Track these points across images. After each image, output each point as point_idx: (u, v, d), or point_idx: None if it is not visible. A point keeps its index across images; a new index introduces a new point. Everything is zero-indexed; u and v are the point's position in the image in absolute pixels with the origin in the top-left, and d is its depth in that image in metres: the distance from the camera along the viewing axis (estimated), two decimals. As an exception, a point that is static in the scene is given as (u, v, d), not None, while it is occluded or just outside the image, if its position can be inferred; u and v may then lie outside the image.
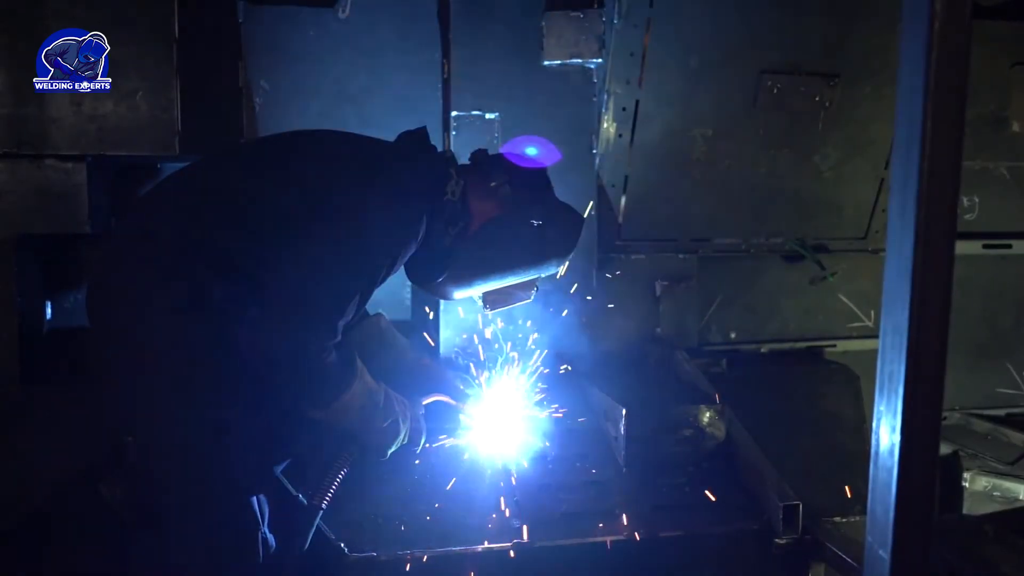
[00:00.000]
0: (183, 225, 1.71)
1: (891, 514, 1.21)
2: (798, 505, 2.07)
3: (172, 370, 1.66)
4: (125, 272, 1.72)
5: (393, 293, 2.62)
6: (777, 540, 2.07)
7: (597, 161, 2.68)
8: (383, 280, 1.76)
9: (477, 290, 1.96)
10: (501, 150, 1.96)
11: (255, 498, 1.76)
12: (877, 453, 1.26)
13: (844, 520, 2.15)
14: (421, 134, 1.94)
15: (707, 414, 2.32)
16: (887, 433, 1.24)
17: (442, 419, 2.08)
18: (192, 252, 1.68)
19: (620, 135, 2.62)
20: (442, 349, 2.56)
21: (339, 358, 1.69)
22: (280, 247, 1.69)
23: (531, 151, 1.94)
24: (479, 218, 1.89)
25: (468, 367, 2.27)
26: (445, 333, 2.56)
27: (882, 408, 1.26)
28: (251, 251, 1.70)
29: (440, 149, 1.99)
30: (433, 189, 1.83)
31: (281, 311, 1.62)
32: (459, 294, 1.97)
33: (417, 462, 2.10)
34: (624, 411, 2.26)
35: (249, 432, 1.71)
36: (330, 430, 1.81)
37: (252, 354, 1.61)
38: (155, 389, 1.67)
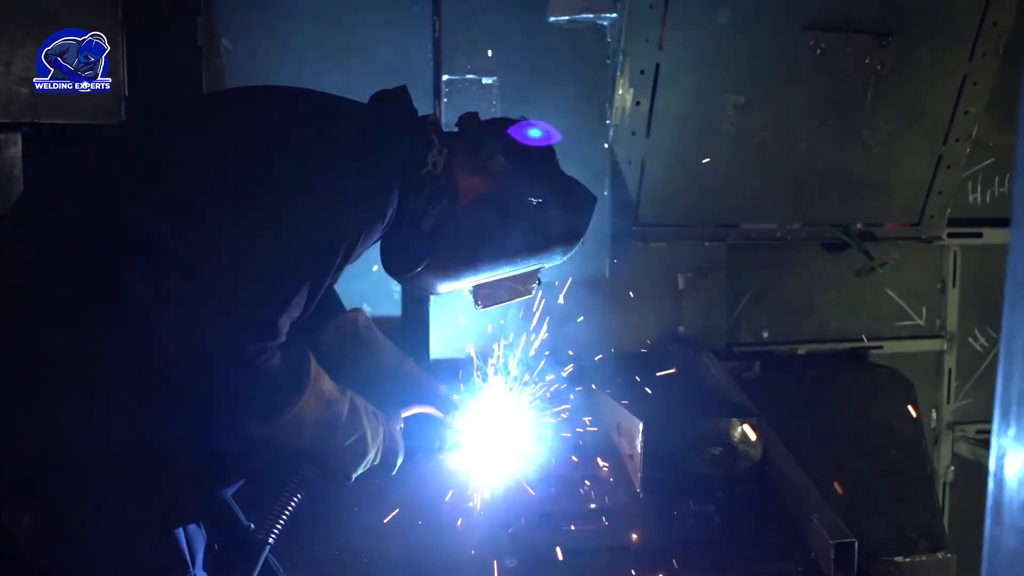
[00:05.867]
0: (98, 200, 1.50)
1: (1025, 595, 0.86)
2: (853, 543, 1.85)
3: (76, 374, 1.45)
4: (23, 254, 1.49)
5: (379, 285, 2.45)
6: (827, 585, 1.89)
7: (611, 133, 2.54)
8: (340, 268, 1.54)
9: (465, 283, 1.76)
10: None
11: (182, 531, 1.53)
12: (999, 505, 0.92)
13: (907, 560, 1.99)
14: (399, 94, 1.74)
15: (739, 428, 2.12)
16: (1016, 476, 0.89)
17: (425, 435, 1.87)
18: (107, 233, 1.47)
19: (638, 103, 2.48)
20: (432, 352, 2.44)
21: (285, 362, 1.47)
22: (215, 227, 1.48)
23: (534, 133, 1.76)
24: (467, 195, 1.70)
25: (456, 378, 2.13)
26: (435, 334, 2.43)
27: (1006, 442, 0.93)
28: (180, 233, 1.49)
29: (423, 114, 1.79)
30: (408, 159, 1.63)
31: (210, 305, 1.42)
32: (444, 287, 1.77)
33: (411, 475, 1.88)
34: (641, 425, 2.08)
35: (173, 450, 1.49)
36: (281, 448, 1.58)
37: (176, 356, 1.42)
38: (57, 396, 1.45)
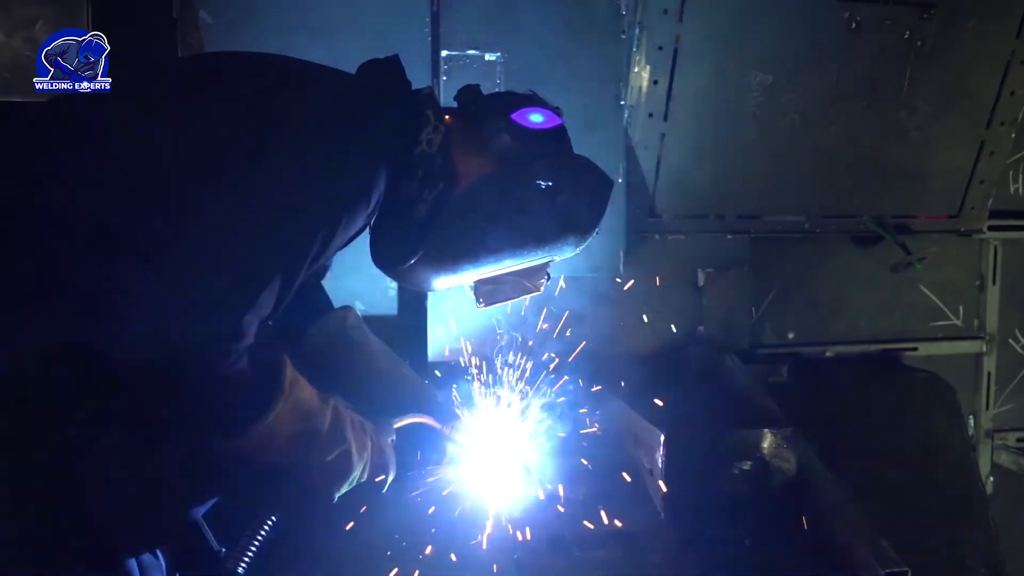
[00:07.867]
0: (37, 183, 1.38)
1: None
2: (906, 572, 1.74)
3: (14, 376, 1.32)
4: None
5: (373, 281, 2.36)
6: (877, 622, 1.80)
7: (627, 115, 2.47)
8: (318, 260, 1.42)
9: (465, 277, 1.66)
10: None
11: (135, 562, 1.42)
12: None
13: (965, 591, 1.86)
14: (390, 64, 1.64)
15: (770, 440, 2.01)
16: None
17: (421, 448, 1.79)
18: (53, 221, 1.35)
19: (655, 82, 2.41)
20: (430, 353, 2.34)
21: (254, 368, 1.34)
22: (173, 212, 1.36)
23: (536, 118, 1.67)
24: (466, 177, 1.59)
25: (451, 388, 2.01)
26: (433, 335, 2.34)
27: None
28: (135, 219, 1.37)
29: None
30: (399, 135, 1.52)
31: (163, 300, 1.29)
32: (441, 283, 1.66)
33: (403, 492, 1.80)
34: (662, 436, 1.99)
35: (127, 464, 1.38)
36: (253, 464, 1.47)
37: (128, 359, 1.29)
38: None
